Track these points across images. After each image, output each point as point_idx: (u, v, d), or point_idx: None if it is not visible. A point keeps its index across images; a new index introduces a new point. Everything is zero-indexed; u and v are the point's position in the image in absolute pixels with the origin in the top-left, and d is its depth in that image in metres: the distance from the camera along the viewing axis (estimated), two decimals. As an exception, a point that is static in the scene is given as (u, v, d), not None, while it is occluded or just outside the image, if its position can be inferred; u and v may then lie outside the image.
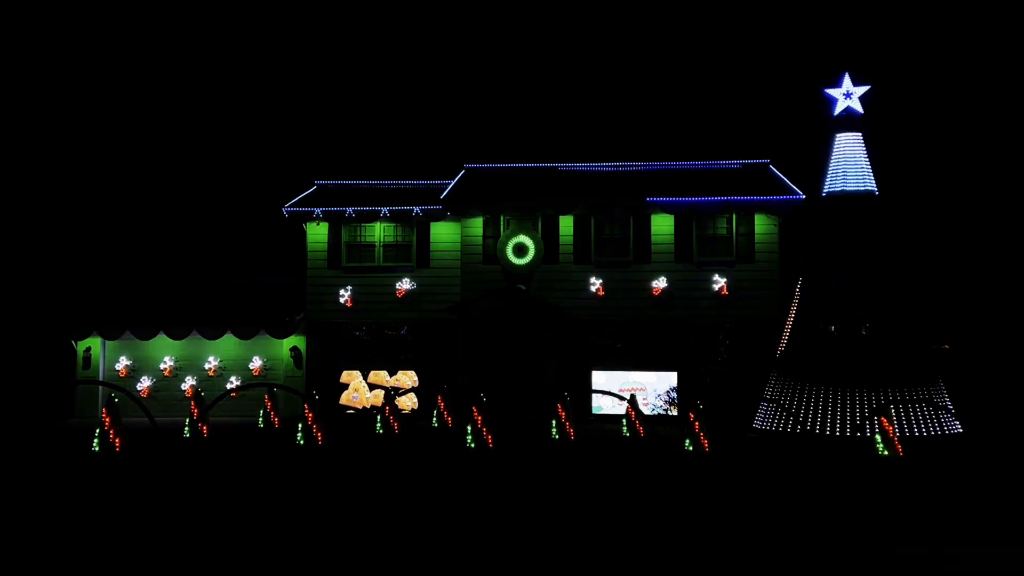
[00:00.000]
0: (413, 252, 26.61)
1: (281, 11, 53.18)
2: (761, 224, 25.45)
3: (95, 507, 11.90)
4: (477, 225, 25.96)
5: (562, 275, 25.72)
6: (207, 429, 18.97)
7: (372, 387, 26.21)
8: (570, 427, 18.77)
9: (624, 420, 20.34)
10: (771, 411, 20.50)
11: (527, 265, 25.52)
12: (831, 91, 21.15)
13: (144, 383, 26.63)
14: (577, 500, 12.07)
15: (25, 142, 41.99)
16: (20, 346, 30.93)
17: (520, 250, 25.55)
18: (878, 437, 17.20)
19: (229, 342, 26.70)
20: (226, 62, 51.95)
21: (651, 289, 25.50)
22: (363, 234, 26.83)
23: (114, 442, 16.01)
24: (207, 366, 26.86)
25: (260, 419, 22.14)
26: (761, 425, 20.74)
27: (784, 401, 19.89)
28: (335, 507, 11.85)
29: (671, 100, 47.76)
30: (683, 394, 24.04)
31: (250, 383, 24.74)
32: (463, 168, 27.82)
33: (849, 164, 21.06)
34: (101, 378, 26.32)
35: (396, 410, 20.59)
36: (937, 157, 25.70)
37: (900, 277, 20.26)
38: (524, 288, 25.49)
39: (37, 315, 31.78)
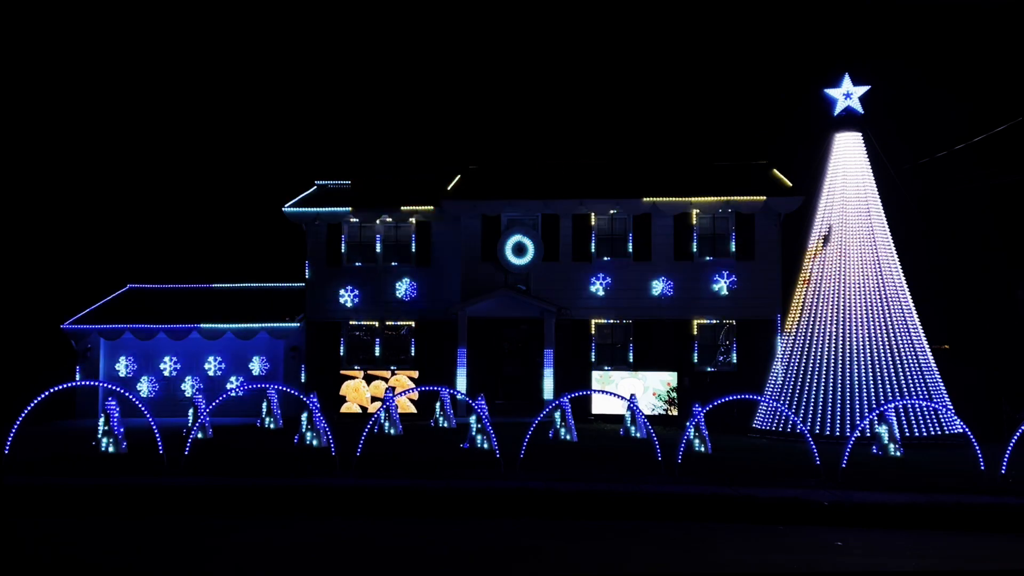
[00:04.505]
0: (413, 252, 26.59)
1: (281, 12, 53.18)
2: (761, 224, 25.43)
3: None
4: (477, 225, 25.94)
5: (562, 275, 25.71)
6: (208, 430, 18.95)
7: (372, 387, 26.19)
8: (570, 427, 18.74)
9: (624, 420, 20.32)
10: (771, 411, 20.49)
11: (527, 265, 25.51)
12: (831, 91, 21.14)
13: (144, 383, 26.63)
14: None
15: (28, 143, 41.98)
16: (20, 346, 30.92)
17: (520, 250, 25.54)
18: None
19: (229, 342, 26.70)
20: (227, 64, 51.93)
21: (651, 289, 25.49)
22: (363, 234, 26.82)
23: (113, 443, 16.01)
24: (207, 366, 26.86)
25: (261, 419, 22.10)
26: (761, 425, 20.74)
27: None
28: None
29: (672, 101, 47.75)
30: (683, 394, 24.04)
31: (250, 384, 24.72)
32: (463, 167, 27.81)
33: (848, 164, 21.05)
34: (101, 378, 26.32)
35: (395, 410, 20.56)
36: (936, 155, 25.65)
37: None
38: (524, 288, 25.48)
39: (37, 315, 31.77)
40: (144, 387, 26.56)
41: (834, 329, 20.11)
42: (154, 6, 51.22)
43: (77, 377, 26.22)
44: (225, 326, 26.17)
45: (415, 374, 26.07)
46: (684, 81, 48.39)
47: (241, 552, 9.84)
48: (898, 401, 18.54)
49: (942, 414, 19.22)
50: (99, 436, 16.18)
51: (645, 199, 25.40)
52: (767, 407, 20.66)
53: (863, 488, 12.66)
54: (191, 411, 19.65)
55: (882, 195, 21.09)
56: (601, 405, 24.22)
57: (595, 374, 25.14)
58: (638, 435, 19.12)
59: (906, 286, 20.62)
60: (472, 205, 25.68)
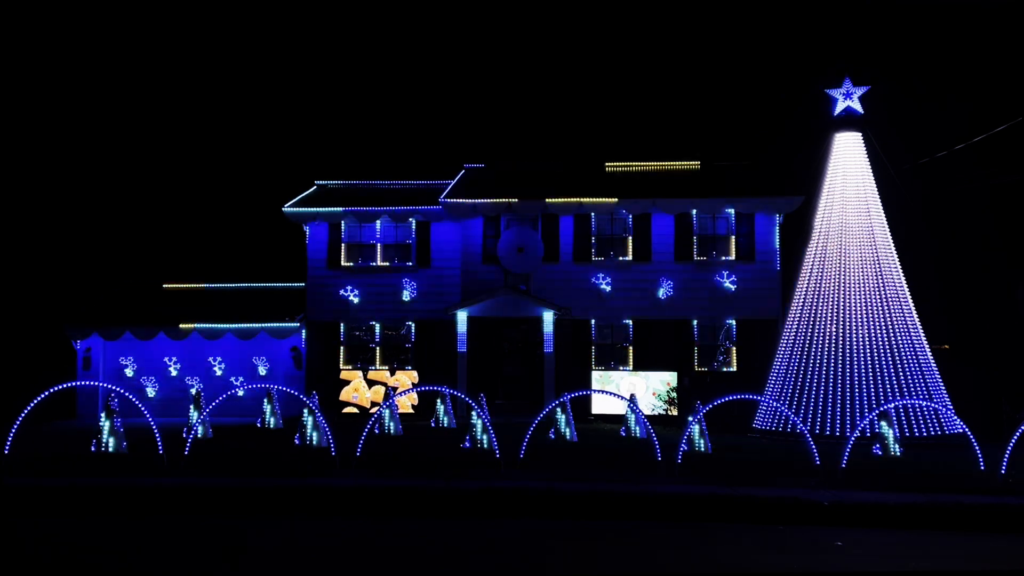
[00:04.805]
0: (413, 252, 26.61)
1: (281, 11, 53.18)
2: (761, 224, 25.45)
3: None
4: (477, 225, 25.95)
5: (562, 275, 25.71)
6: (208, 430, 18.95)
7: (372, 387, 26.19)
8: (570, 427, 18.74)
9: (624, 420, 20.33)
10: (771, 411, 20.49)
11: (527, 264, 25.50)
12: (831, 91, 21.13)
13: (144, 384, 26.63)
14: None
15: (26, 143, 41.98)
16: (20, 346, 30.92)
17: (520, 250, 25.54)
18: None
19: (229, 342, 26.71)
20: (227, 64, 51.93)
21: (651, 289, 25.50)
22: (363, 234, 26.83)
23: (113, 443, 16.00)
24: (207, 366, 26.86)
25: (261, 419, 22.10)
26: (761, 425, 20.74)
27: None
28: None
29: (672, 100, 47.76)
30: (683, 394, 24.03)
31: (250, 384, 24.73)
32: (463, 168, 27.81)
33: (848, 164, 21.04)
34: (101, 378, 26.33)
35: (396, 410, 20.55)
36: (936, 155, 25.67)
37: None
38: (524, 288, 25.48)
39: (37, 315, 31.78)
40: (144, 387, 26.56)
41: (834, 329, 20.10)
42: (154, 6, 51.23)
43: (77, 377, 26.21)
44: (225, 326, 26.17)
45: (415, 374, 26.07)
46: (684, 81, 48.39)
47: (241, 552, 9.85)
48: (898, 401, 18.53)
49: (942, 414, 19.21)
50: (99, 436, 16.17)
51: (645, 199, 25.40)
52: (767, 407, 20.65)
53: (863, 488, 12.65)
54: (191, 411, 19.65)
55: (882, 195, 21.08)
56: (601, 405, 24.22)
57: (595, 374, 25.14)
58: (638, 435, 19.12)
59: (906, 286, 20.61)
60: (472, 205, 25.68)
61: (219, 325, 26.16)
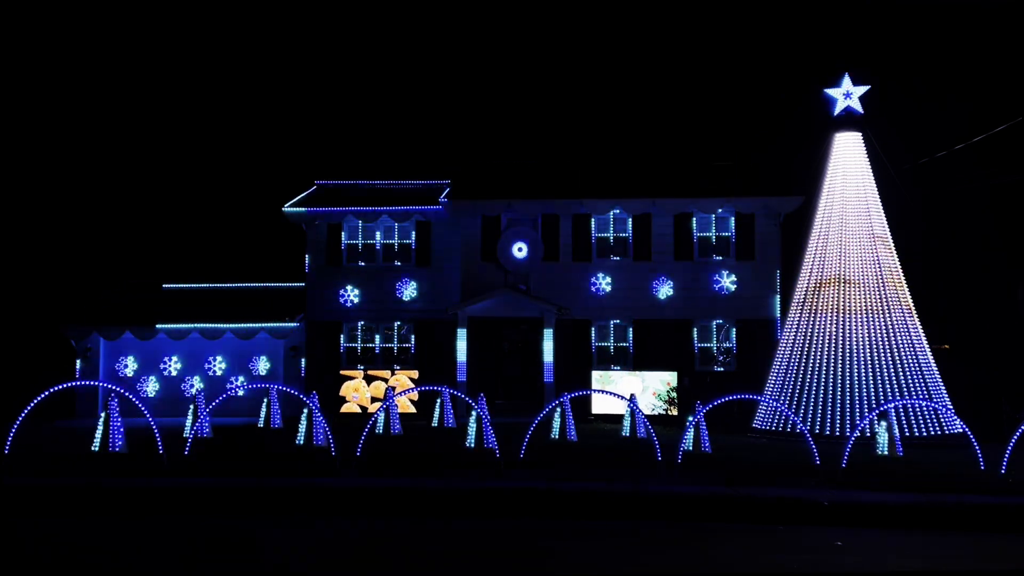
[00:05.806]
0: (413, 252, 26.60)
1: (281, 12, 53.18)
2: (761, 224, 25.45)
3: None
4: (477, 225, 25.94)
5: (562, 275, 25.71)
6: (207, 429, 18.94)
7: (372, 387, 26.19)
8: (570, 427, 18.73)
9: (624, 420, 20.32)
10: (771, 411, 20.48)
11: (527, 264, 25.51)
12: (831, 91, 21.12)
13: (144, 383, 26.61)
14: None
15: (26, 143, 41.98)
16: (20, 346, 30.91)
17: (520, 250, 25.54)
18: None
19: (229, 342, 26.69)
20: (226, 63, 51.94)
21: (651, 289, 25.50)
22: (363, 234, 26.82)
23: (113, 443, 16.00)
24: (207, 366, 26.85)
25: (261, 419, 22.10)
26: (761, 425, 20.73)
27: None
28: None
29: (672, 100, 47.77)
30: (683, 394, 24.03)
31: (250, 383, 24.74)
32: (463, 167, 27.80)
33: (848, 164, 21.03)
34: (101, 378, 26.31)
35: (395, 410, 20.54)
36: (936, 155, 25.70)
37: None
38: (524, 288, 25.47)
39: (37, 315, 31.77)
40: (144, 387, 26.54)
41: (834, 329, 20.10)
42: (154, 6, 51.21)
43: (77, 377, 26.19)
44: (225, 326, 26.15)
45: (415, 374, 26.06)
46: (684, 81, 48.41)
47: (241, 552, 9.84)
48: (898, 401, 18.52)
49: (942, 414, 19.21)
50: (99, 436, 16.16)
51: (645, 199, 25.40)
52: (767, 407, 20.64)
53: (863, 488, 12.65)
54: (191, 411, 19.64)
55: (882, 195, 21.08)
56: (601, 405, 24.19)
57: (595, 374, 25.11)
58: (638, 435, 19.11)
59: (906, 286, 20.61)
60: (472, 205, 25.67)
61: (219, 325, 26.15)
